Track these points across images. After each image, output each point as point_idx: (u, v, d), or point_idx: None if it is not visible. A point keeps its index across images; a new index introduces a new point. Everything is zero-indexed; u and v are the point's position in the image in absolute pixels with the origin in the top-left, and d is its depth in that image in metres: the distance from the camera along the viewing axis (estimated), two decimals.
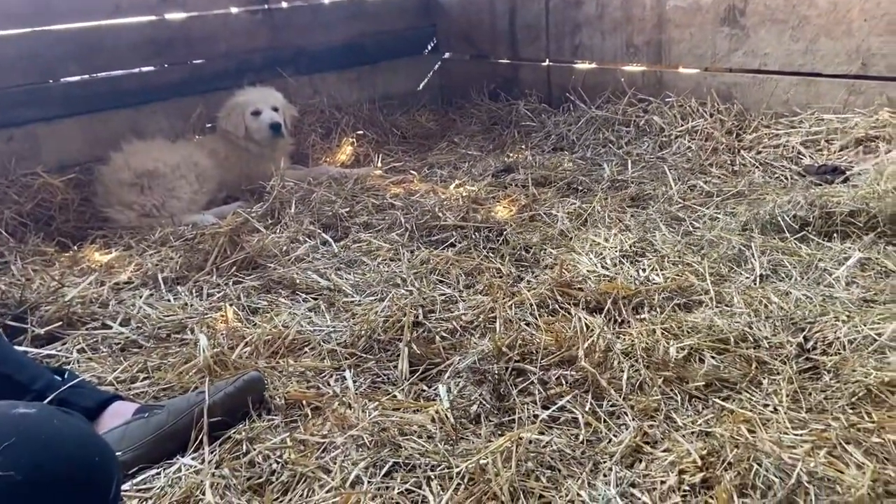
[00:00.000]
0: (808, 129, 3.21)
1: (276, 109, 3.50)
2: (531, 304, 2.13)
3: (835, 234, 2.40)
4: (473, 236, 2.70)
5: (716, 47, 3.54)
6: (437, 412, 1.70)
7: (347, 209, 3.03)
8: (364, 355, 1.98)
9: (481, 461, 1.49)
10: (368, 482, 1.51)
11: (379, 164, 3.71)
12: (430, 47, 4.83)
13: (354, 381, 1.86)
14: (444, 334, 2.04)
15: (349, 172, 3.55)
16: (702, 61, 3.62)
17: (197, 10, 3.84)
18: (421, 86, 4.79)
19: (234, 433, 1.67)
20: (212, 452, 1.63)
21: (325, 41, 4.32)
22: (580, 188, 3.18)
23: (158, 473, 1.61)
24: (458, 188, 3.25)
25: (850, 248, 2.30)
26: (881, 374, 1.69)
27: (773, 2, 3.30)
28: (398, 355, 1.94)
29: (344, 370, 1.91)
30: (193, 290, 2.45)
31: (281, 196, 3.14)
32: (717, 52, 3.55)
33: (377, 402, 1.76)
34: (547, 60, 4.26)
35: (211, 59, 3.93)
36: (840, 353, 1.80)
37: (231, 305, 2.28)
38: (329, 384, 1.87)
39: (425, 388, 1.84)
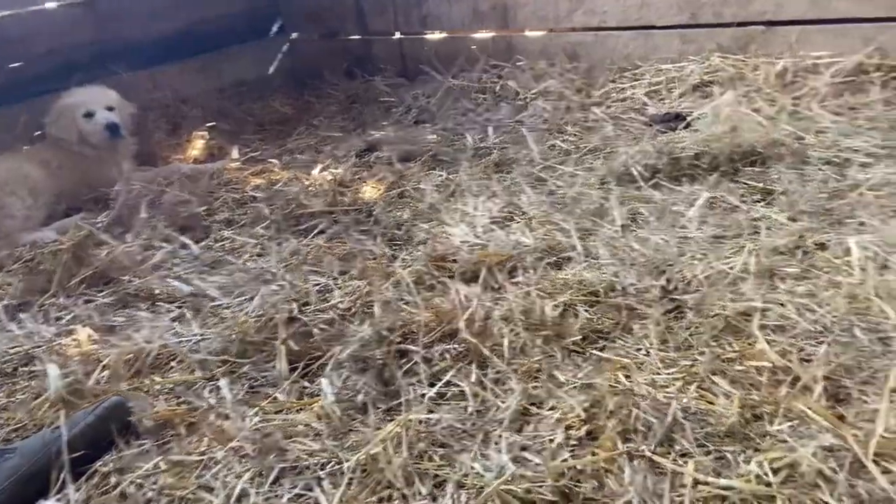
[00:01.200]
0: (650, 81, 3.36)
1: (111, 109, 3.23)
2: (408, 283, 2.10)
3: (683, 178, 2.53)
4: (343, 220, 2.63)
5: (558, 8, 3.62)
6: (321, 408, 1.64)
7: (205, 207, 2.86)
8: (238, 361, 1.88)
9: (371, 451, 1.46)
10: (256, 493, 1.43)
11: (235, 156, 3.53)
12: (275, 29, 4.63)
13: (231, 390, 1.76)
14: (323, 326, 1.96)
15: (203, 168, 3.36)
16: (546, 23, 3.70)
17: (7, 8, 3.45)
18: (271, 70, 4.60)
19: (100, 466, 1.54)
20: (77, 490, 1.49)
21: (160, 30, 4.03)
22: (445, 159, 3.17)
23: None
24: (322, 172, 3.15)
25: (697, 189, 2.44)
26: (737, 305, 1.80)
27: None
28: (275, 355, 1.85)
29: (218, 379, 1.81)
30: (38, 316, 2.22)
31: (128, 201, 2.91)
32: (559, 13, 3.63)
33: (257, 408, 1.68)
34: (398, 33, 4.20)
35: (30, 60, 3.57)
36: (699, 290, 1.90)
37: (84, 327, 2.09)
38: (203, 397, 1.75)
39: (308, 384, 1.77)
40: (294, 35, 4.65)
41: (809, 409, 1.44)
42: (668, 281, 1.97)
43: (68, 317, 2.21)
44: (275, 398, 1.71)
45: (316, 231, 2.58)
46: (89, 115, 3.19)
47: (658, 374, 1.63)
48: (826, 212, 2.18)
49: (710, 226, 2.22)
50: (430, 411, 1.60)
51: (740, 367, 1.60)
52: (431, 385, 1.68)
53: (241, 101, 4.22)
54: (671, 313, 1.86)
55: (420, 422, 1.55)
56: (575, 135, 3.20)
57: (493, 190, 2.73)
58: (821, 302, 1.76)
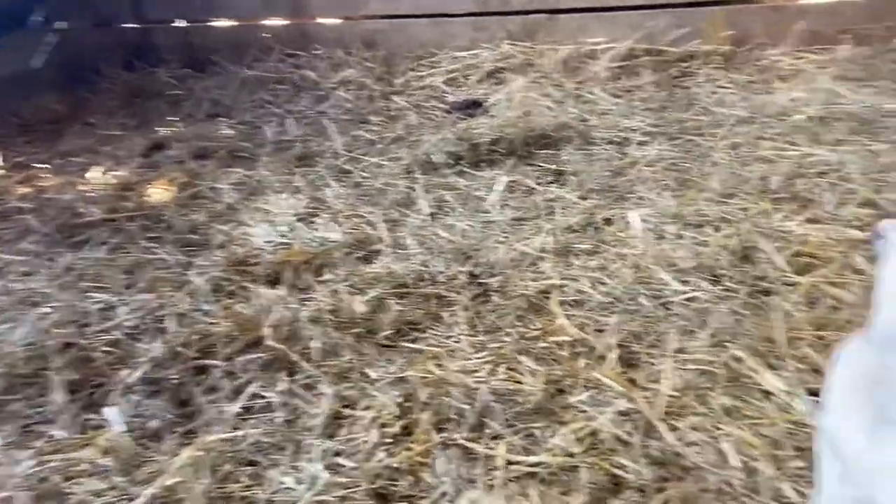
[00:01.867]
0: (448, 68, 3.41)
1: None
2: (205, 292, 1.94)
3: (483, 164, 2.59)
4: (128, 228, 2.38)
5: None
6: (108, 441, 1.46)
7: None
8: (5, 398, 1.63)
9: (167, 482, 1.32)
10: None
11: None
12: (39, 18, 4.10)
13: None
14: (106, 349, 1.76)
15: None
16: (341, 10, 3.62)
17: None
18: (39, 64, 4.06)
19: None
20: None
21: None
22: (243, 155, 2.99)
23: None
24: (101, 175, 2.84)
25: (497, 174, 2.50)
26: (537, 284, 1.87)
27: None
28: (50, 387, 1.63)
29: None
30: None
31: None
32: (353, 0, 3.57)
33: (32, 450, 1.46)
34: (181, 21, 3.89)
35: None
36: (503, 273, 1.95)
37: None
38: None
39: (92, 416, 1.58)
40: (62, 24, 4.15)
41: (605, 376, 1.52)
42: (475, 266, 2.01)
43: None
44: (51, 436, 1.50)
45: (96, 242, 2.31)
46: None
47: (469, 359, 1.64)
48: (611, 188, 2.34)
49: (510, 209, 2.29)
50: (235, 428, 1.48)
51: (544, 344, 1.66)
52: (235, 400, 1.56)
53: (3, 101, 3.69)
54: (478, 298, 1.88)
55: (223, 441, 1.43)
56: (378, 124, 3.16)
57: (297, 185, 2.62)
58: (611, 274, 1.88)
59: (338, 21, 3.68)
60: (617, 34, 3.31)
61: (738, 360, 1.54)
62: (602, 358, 1.59)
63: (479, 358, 1.64)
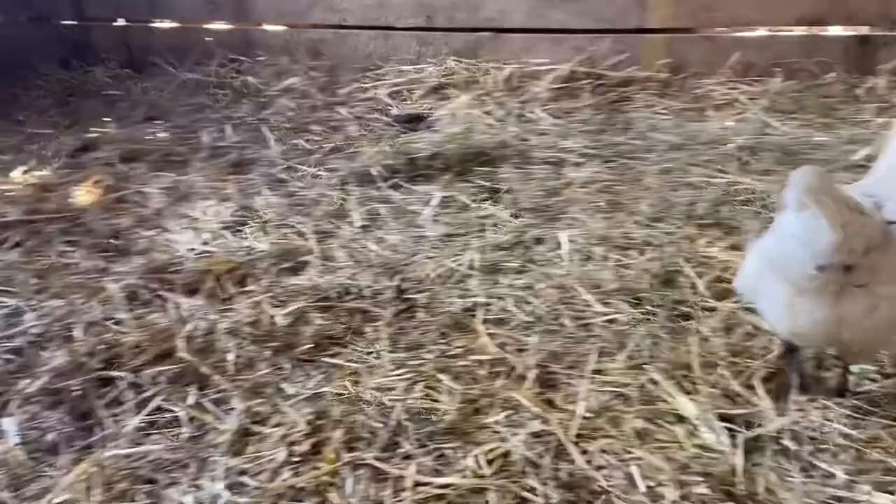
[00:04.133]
0: (392, 81, 3.40)
1: None
2: (119, 300, 1.87)
3: (420, 178, 2.58)
4: (46, 230, 2.29)
5: (297, 3, 3.53)
6: (0, 453, 1.38)
7: None
8: None
9: (55, 499, 1.25)
10: None
11: None
12: None
13: None
14: (7, 356, 1.67)
15: None
16: (285, 18, 3.59)
17: None
18: None
19: None
20: None
21: None
22: (177, 159, 2.92)
23: None
24: (24, 175, 2.73)
25: (433, 189, 2.49)
26: (464, 302, 1.86)
27: None
28: None
29: None
30: None
31: None
32: (299, 7, 3.54)
33: None
34: (121, 20, 3.79)
35: None
36: (430, 289, 1.93)
37: None
38: None
39: None
40: None
41: (522, 397, 1.51)
42: (402, 281, 1.98)
43: None
44: None
45: (9, 244, 2.21)
46: None
47: (387, 376, 1.61)
48: (544, 208, 2.35)
49: (443, 224, 2.28)
50: (137, 443, 1.42)
51: (464, 362, 1.64)
52: (138, 414, 1.49)
53: None
54: (403, 314, 1.86)
55: (123, 457, 1.37)
56: (319, 134, 3.13)
57: (227, 192, 2.56)
58: (536, 293, 1.88)
59: (282, 28, 3.63)
60: (560, 56, 3.35)
61: (654, 382, 1.55)
62: (521, 378, 1.58)
63: (397, 375, 1.61)
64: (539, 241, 2.15)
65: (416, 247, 2.15)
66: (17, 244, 2.22)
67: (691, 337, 1.66)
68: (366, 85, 3.44)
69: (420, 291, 1.94)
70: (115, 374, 1.58)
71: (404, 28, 3.44)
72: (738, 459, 1.32)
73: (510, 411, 1.50)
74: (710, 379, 1.54)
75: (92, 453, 1.39)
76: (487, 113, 3.07)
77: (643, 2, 3.24)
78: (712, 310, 1.78)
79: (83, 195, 2.58)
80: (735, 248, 2.02)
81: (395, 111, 3.28)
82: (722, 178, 2.44)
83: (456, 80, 3.32)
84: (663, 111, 3.04)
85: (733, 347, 1.64)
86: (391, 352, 1.70)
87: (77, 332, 1.73)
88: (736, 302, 1.77)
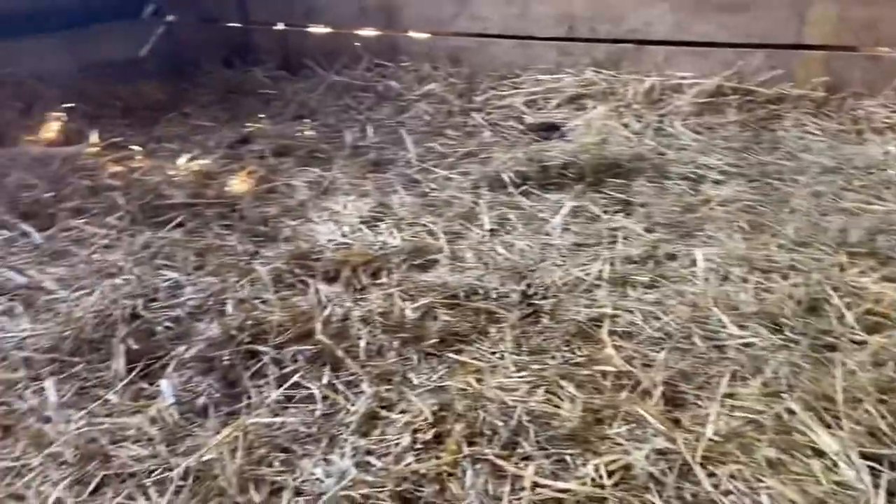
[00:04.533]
0: (529, 90, 3.43)
1: None
2: (266, 281, 2.01)
3: (551, 186, 2.59)
4: (205, 214, 2.50)
5: (442, 12, 3.64)
6: (157, 411, 1.53)
7: (53, 194, 2.63)
8: (70, 359, 1.73)
9: (205, 457, 1.37)
10: (74, 501, 1.32)
11: (94, 141, 3.28)
12: (150, 9, 4.37)
13: (57, 391, 1.62)
14: (168, 324, 1.85)
15: (54, 151, 3.10)
16: (430, 25, 3.70)
17: None
18: (144, 52, 4.32)
19: None
20: None
21: (18, 1, 3.70)
22: (321, 156, 3.10)
23: None
24: (188, 162, 2.99)
25: (564, 198, 2.50)
26: (590, 311, 1.85)
27: None
28: (113, 354, 1.72)
29: (44, 379, 1.65)
30: None
31: None
32: (443, 16, 3.64)
33: (85, 411, 1.55)
34: (281, 24, 4.07)
35: None
36: (556, 296, 1.94)
37: None
38: (23, 399, 1.60)
39: (146, 386, 1.66)
40: (171, 17, 4.41)
41: (647, 412, 1.49)
42: (529, 286, 2.00)
43: None
44: (106, 400, 1.59)
45: (174, 224, 2.43)
46: None
47: (509, 377, 1.64)
48: (679, 224, 2.29)
49: (572, 234, 2.28)
50: (276, 414, 1.53)
51: (587, 372, 1.64)
52: (279, 387, 1.61)
53: (107, 83, 3.94)
54: (528, 318, 1.88)
55: (263, 426, 1.48)
56: (454, 139, 3.21)
57: (366, 189, 2.68)
58: (666, 310, 1.84)
59: (427, 35, 3.76)
60: (706, 70, 3.25)
61: (791, 412, 1.47)
62: (646, 393, 1.56)
63: (519, 377, 1.63)
64: (672, 257, 2.10)
65: (543, 253, 2.16)
66: (180, 224, 2.44)
67: (836, 369, 1.57)
68: (502, 93, 3.49)
69: (546, 297, 1.95)
70: (260, 348, 1.71)
71: (545, 38, 3.45)
72: (881, 501, 1.24)
73: (633, 425, 1.48)
74: (855, 415, 1.45)
75: (237, 419, 1.51)
76: (624, 125, 3.03)
77: (801, 16, 3.08)
78: (861, 343, 1.67)
79: (238, 184, 2.79)
80: (891, 279, 1.88)
81: (529, 119, 3.30)
82: (880, 205, 2.28)
83: (594, 91, 3.30)
84: (817, 132, 2.87)
85: (882, 384, 1.53)
86: (514, 354, 1.72)
87: (229, 308, 1.88)
88: (888, 337, 1.66)
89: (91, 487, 1.34)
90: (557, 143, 2.88)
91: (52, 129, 3.44)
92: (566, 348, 1.73)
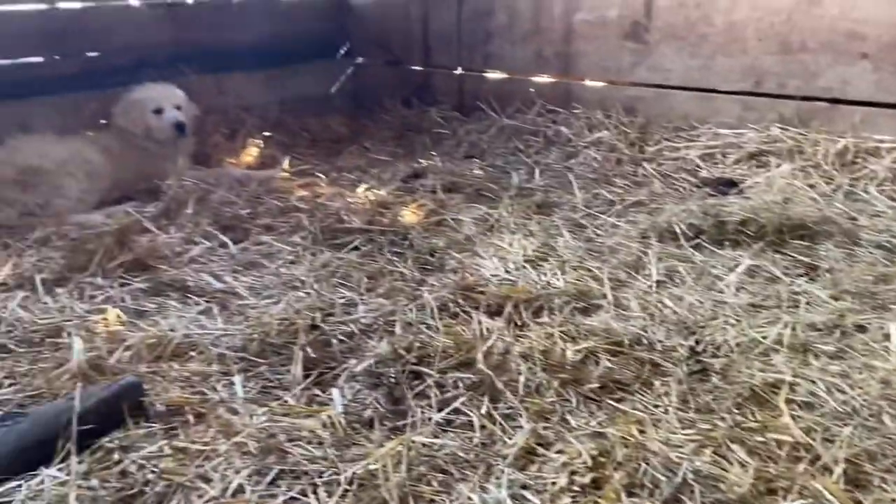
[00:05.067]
0: (706, 143, 3.33)
1: (178, 108, 3.35)
2: (432, 308, 2.09)
3: (726, 242, 2.49)
4: (378, 240, 2.65)
5: (620, 61, 3.64)
6: (329, 417, 1.63)
7: (249, 211, 2.92)
8: (256, 359, 1.89)
9: (370, 466, 1.44)
10: (252, 491, 1.43)
11: (286, 167, 3.60)
12: (342, 52, 4.75)
13: (244, 387, 1.77)
14: (342, 337, 1.97)
15: (253, 174, 3.43)
16: (607, 74, 3.72)
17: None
18: (333, 90, 4.70)
19: (106, 441, 1.55)
20: (80, 462, 1.50)
21: (233, 40, 4.17)
22: (488, 195, 3.19)
23: (20, 486, 1.47)
24: (366, 192, 3.19)
25: (740, 255, 2.39)
26: (765, 376, 1.75)
27: (674, 19, 3.42)
28: (292, 359, 1.86)
29: (233, 375, 1.82)
30: (74, 293, 2.28)
31: (178, 196, 2.99)
32: (621, 66, 3.65)
33: (266, 408, 1.68)
34: (459, 69, 4.27)
35: (108, 52, 3.73)
36: (728, 356, 1.85)
37: (114, 308, 2.14)
38: (216, 390, 1.76)
39: (319, 392, 1.77)
40: (360, 59, 4.77)
41: (827, 489, 1.38)
42: (697, 342, 1.93)
43: (102, 297, 2.26)
44: (285, 401, 1.71)
45: (350, 246, 2.60)
46: (158, 111, 3.31)
47: (674, 433, 1.58)
48: (871, 294, 2.12)
49: (747, 293, 2.17)
50: (436, 436, 1.57)
51: (760, 439, 1.55)
52: (440, 410, 1.65)
53: (300, 116, 4.33)
54: (696, 375, 1.81)
55: (424, 445, 1.53)
56: (622, 187, 3.19)
57: (531, 229, 2.72)
58: (853, 384, 1.70)
59: (602, 84, 3.78)
60: None
61: None
62: (826, 469, 1.44)
63: (685, 434, 1.57)
64: (862, 328, 1.94)
65: (716, 310, 2.07)
66: (356, 248, 2.60)
67: None
68: (677, 144, 3.41)
69: (716, 356, 1.87)
70: (424, 370, 1.77)
71: (728, 91, 3.35)
72: None
73: (810, 500, 1.37)
74: None
75: (400, 434, 1.57)
76: (811, 185, 2.86)
77: None
78: None
79: (409, 215, 2.93)
80: None
81: (704, 173, 3.21)
82: None
83: (778, 149, 3.14)
84: None
85: None
86: (680, 410, 1.66)
87: (397, 329, 1.97)
88: None
89: (268, 479, 1.45)
90: (735, 200, 2.77)
91: (251, 154, 3.83)
92: (737, 411, 1.65)
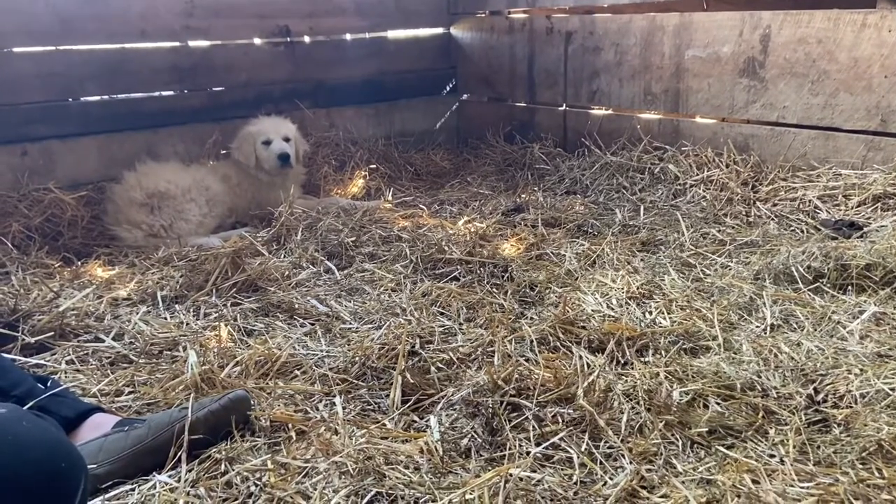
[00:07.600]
0: (826, 184, 3.15)
1: (287, 140, 3.52)
2: (531, 340, 2.07)
3: (849, 287, 2.33)
4: (478, 271, 2.65)
5: (734, 98, 3.53)
6: (426, 443, 1.63)
7: (354, 239, 3.00)
8: (356, 382, 1.93)
9: (467, 496, 1.42)
10: None
11: (389, 198, 3.70)
12: (448, 88, 4.87)
13: (344, 408, 1.80)
14: (440, 365, 1.97)
15: (359, 204, 3.54)
16: (719, 112, 3.61)
17: (220, 39, 3.90)
18: (438, 125, 4.81)
19: (214, 452, 1.61)
20: (189, 470, 1.56)
21: (345, 76, 4.37)
22: (590, 231, 3.14)
23: (132, 489, 1.55)
24: (466, 224, 3.22)
25: (864, 301, 2.23)
26: (894, 430, 1.60)
27: (793, 55, 3.29)
28: (391, 384, 1.88)
29: (334, 395, 1.85)
30: (191, 310, 2.41)
31: (288, 223, 3.13)
32: (735, 103, 3.53)
33: (365, 430, 1.69)
34: (564, 105, 4.26)
35: (231, 87, 3.98)
36: (851, 407, 1.72)
37: (226, 325, 2.24)
38: (318, 409, 1.80)
39: (416, 418, 1.78)
40: (465, 96, 4.86)
41: None
42: (817, 391, 1.80)
43: (215, 314, 2.37)
44: (383, 424, 1.73)
45: (450, 277, 2.62)
46: (267, 143, 3.49)
47: (791, 485, 1.47)
48: None
49: (873, 342, 2.02)
50: (534, 470, 1.54)
51: (888, 497, 1.42)
52: (539, 444, 1.62)
53: (405, 150, 4.45)
54: (815, 425, 1.69)
55: (521, 478, 1.50)
56: (733, 227, 3.06)
57: (635, 266, 2.65)
58: None
59: (713, 121, 3.67)
60: None
61: None
62: None
63: (803, 487, 1.46)
64: None
65: (837, 358, 1.93)
66: (455, 278, 2.62)
67: None
68: (794, 185, 3.25)
69: (838, 406, 1.74)
70: (523, 402, 1.74)
71: (851, 130, 3.17)
72: None
73: None
74: None
75: (496, 466, 1.54)
76: None
77: None
78: None
79: (509, 248, 2.93)
80: None
81: (824, 215, 3.03)
82: None
83: None
84: None
85: None
86: (798, 462, 1.55)
87: (496, 360, 1.95)
88: None
89: (365, 501, 1.46)
90: (859, 243, 2.60)
91: (357, 184, 3.96)
92: (861, 466, 1.52)
